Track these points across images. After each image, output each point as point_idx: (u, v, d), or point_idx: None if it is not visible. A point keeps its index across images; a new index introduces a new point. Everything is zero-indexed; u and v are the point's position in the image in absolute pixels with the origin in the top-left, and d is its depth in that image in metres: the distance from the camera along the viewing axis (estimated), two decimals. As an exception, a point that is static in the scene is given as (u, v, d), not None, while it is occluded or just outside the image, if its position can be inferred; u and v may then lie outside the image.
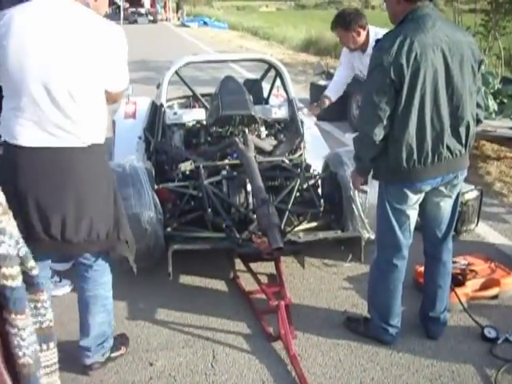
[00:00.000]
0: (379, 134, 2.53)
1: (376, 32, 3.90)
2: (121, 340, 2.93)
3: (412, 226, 2.78)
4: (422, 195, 2.72)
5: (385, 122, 2.51)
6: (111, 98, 2.54)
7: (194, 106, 5.11)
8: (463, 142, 2.64)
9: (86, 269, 2.60)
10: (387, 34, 2.58)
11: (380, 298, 2.90)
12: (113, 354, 2.83)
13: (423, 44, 2.44)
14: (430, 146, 2.56)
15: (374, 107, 2.49)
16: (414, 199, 2.70)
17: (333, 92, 4.52)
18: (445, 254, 2.92)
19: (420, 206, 2.77)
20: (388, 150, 2.59)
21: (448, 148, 2.59)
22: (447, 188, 2.73)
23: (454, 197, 2.80)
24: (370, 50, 3.76)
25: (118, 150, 4.66)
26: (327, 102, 4.52)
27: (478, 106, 2.70)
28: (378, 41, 2.58)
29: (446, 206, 2.81)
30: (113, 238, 2.50)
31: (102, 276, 2.64)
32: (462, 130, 2.61)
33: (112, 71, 2.38)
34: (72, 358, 2.76)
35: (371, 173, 2.78)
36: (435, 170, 2.62)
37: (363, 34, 3.93)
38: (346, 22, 3.90)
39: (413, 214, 2.75)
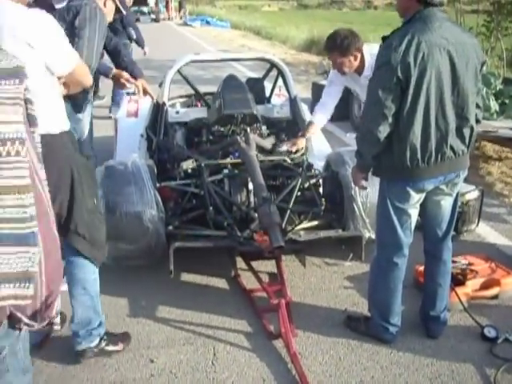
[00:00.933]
0: (384, 131, 2.53)
1: (371, 53, 3.44)
2: (122, 337, 2.95)
3: (413, 225, 2.79)
4: (424, 194, 2.74)
5: (390, 120, 2.52)
6: (72, 83, 2.50)
7: (196, 105, 5.13)
8: (467, 142, 2.65)
9: (63, 252, 2.64)
10: (395, 32, 2.57)
11: (380, 297, 2.91)
12: (108, 348, 2.84)
13: (430, 44, 2.45)
14: (434, 146, 2.57)
15: (380, 105, 2.50)
16: (416, 198, 2.71)
17: (320, 117, 4.09)
18: (445, 253, 2.93)
19: (421, 204, 2.77)
20: (393, 148, 2.59)
21: (452, 148, 2.61)
22: (448, 186, 2.75)
23: (454, 195, 2.82)
24: (366, 72, 3.52)
25: (120, 148, 4.68)
26: (312, 130, 4.12)
27: (477, 106, 2.72)
28: (384, 39, 2.58)
29: (447, 204, 2.82)
30: (65, 227, 2.47)
31: (77, 259, 2.64)
32: (466, 131, 2.63)
33: (50, 56, 2.31)
34: (73, 354, 2.78)
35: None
36: (438, 170, 2.63)
37: (359, 57, 3.56)
38: (343, 46, 3.48)
39: (414, 213, 2.76)
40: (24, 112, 1.15)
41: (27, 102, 1.18)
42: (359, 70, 3.62)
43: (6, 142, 1.09)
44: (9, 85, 1.11)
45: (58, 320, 1.38)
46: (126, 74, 3.94)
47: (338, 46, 3.50)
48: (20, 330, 1.32)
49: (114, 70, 3.95)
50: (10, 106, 1.11)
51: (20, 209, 1.11)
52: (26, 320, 1.25)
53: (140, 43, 8.23)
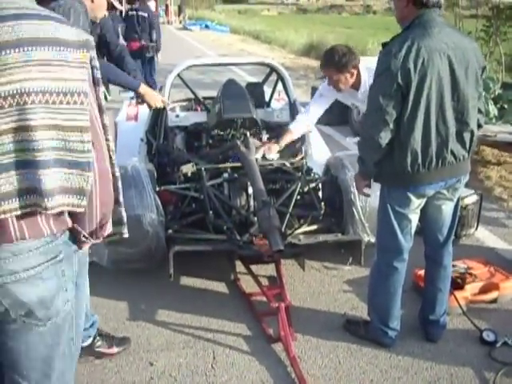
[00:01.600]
0: (385, 137, 2.54)
1: (367, 67, 3.39)
2: (119, 341, 2.95)
3: (413, 230, 2.80)
4: (425, 199, 2.74)
5: (391, 126, 2.52)
6: None
7: (196, 109, 5.14)
8: (467, 147, 2.66)
9: None
10: (394, 38, 2.58)
11: (380, 301, 2.92)
12: (100, 349, 2.85)
13: (430, 50, 2.46)
14: (435, 151, 2.58)
15: (381, 111, 2.50)
16: (417, 203, 2.72)
17: (299, 127, 3.99)
18: (445, 258, 2.94)
19: (421, 209, 2.78)
20: (393, 154, 2.60)
21: (452, 153, 2.61)
22: (449, 191, 2.76)
23: (455, 200, 2.83)
24: (363, 88, 3.44)
25: (119, 152, 4.69)
26: (288, 139, 3.99)
27: (479, 111, 2.73)
28: (384, 45, 2.59)
29: (448, 209, 2.83)
30: None
31: None
32: (467, 136, 2.63)
33: None
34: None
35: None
36: (439, 175, 2.64)
37: (355, 73, 3.45)
38: (341, 63, 3.37)
39: (414, 218, 2.77)
40: (90, 74, 1.49)
41: (94, 67, 1.52)
42: (356, 86, 3.52)
43: (74, 93, 1.42)
44: (77, 53, 1.43)
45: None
46: (156, 94, 3.67)
47: (336, 62, 3.40)
48: (79, 243, 1.61)
49: (143, 86, 3.51)
50: (78, 68, 1.44)
51: (80, 144, 1.44)
52: (84, 233, 1.58)
53: (157, 47, 8.64)
